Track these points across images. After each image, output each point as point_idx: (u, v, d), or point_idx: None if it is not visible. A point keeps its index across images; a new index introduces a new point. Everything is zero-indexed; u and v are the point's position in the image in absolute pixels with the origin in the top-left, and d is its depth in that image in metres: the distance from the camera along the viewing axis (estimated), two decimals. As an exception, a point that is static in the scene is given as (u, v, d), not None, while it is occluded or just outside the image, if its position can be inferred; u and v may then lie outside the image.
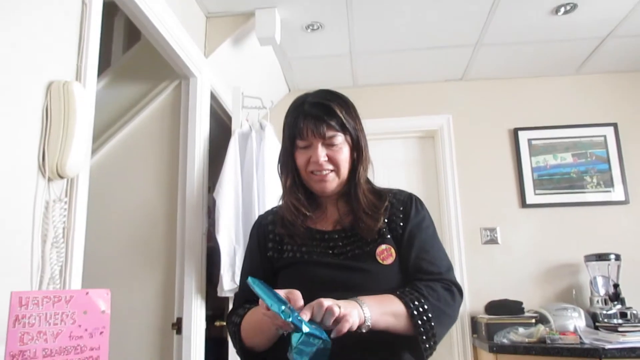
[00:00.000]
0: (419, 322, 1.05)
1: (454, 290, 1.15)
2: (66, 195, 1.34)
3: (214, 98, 2.72)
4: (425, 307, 1.06)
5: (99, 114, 2.00)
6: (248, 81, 2.90)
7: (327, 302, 0.94)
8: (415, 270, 1.16)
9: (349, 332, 0.96)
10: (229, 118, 2.81)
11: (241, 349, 1.18)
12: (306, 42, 2.92)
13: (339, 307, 0.94)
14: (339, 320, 0.94)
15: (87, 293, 0.81)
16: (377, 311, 1.01)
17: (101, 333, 0.80)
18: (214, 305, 2.74)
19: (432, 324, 1.05)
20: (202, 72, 2.50)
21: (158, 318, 2.24)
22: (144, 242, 2.33)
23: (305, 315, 0.92)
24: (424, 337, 1.06)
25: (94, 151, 2.40)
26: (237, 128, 2.60)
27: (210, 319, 2.47)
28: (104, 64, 2.64)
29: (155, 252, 2.32)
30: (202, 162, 2.44)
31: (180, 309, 2.23)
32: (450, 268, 1.21)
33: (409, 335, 1.07)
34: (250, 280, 0.97)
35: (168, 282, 2.28)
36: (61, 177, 1.29)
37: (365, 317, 0.99)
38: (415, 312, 1.05)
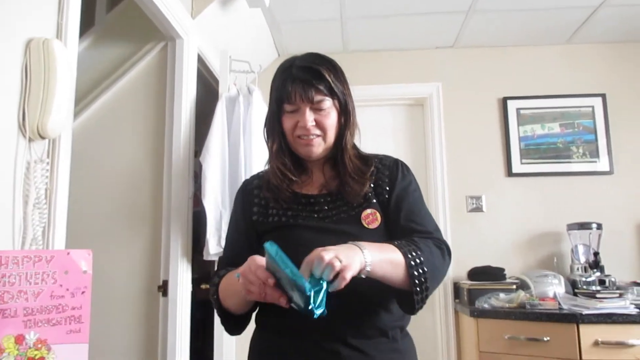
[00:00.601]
0: (415, 273, 1.05)
1: (444, 249, 1.16)
2: (48, 156, 1.32)
3: (200, 61, 2.68)
4: (422, 259, 1.06)
5: (83, 76, 1.96)
6: (236, 44, 2.84)
7: (327, 255, 0.93)
8: (405, 232, 1.17)
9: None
10: (216, 82, 2.77)
11: (219, 310, 1.19)
12: (296, 5, 2.86)
13: (340, 261, 0.93)
14: (338, 273, 0.93)
15: (68, 253, 0.81)
16: (377, 257, 1.01)
17: (83, 293, 0.80)
18: (200, 269, 2.77)
19: (427, 277, 1.06)
20: (189, 34, 2.44)
21: (144, 281, 2.26)
22: (130, 205, 2.32)
23: (305, 275, 0.92)
24: (418, 289, 1.06)
25: (77, 113, 2.36)
26: (225, 92, 2.56)
27: (196, 282, 2.49)
28: (87, 24, 2.57)
29: (141, 215, 2.31)
30: (188, 125, 2.42)
31: (166, 272, 2.25)
32: (438, 229, 1.22)
33: (400, 288, 1.08)
34: (269, 245, 0.93)
35: (154, 245, 2.28)
36: (42, 138, 1.27)
37: (366, 262, 0.98)
38: (412, 263, 1.05)
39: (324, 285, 0.92)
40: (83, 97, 2.40)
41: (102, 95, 2.43)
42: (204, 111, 2.71)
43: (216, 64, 2.81)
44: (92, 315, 0.84)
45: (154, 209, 2.31)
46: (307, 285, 0.88)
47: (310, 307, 0.89)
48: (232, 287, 1.10)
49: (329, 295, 0.94)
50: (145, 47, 2.48)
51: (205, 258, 2.39)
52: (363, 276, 0.99)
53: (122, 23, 2.59)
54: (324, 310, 0.91)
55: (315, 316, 0.90)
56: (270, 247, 0.92)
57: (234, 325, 1.22)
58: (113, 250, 2.26)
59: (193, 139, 2.48)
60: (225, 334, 2.72)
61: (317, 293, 0.91)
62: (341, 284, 0.93)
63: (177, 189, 2.31)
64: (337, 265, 0.92)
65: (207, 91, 2.93)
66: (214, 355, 2.63)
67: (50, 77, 1.22)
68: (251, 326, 1.28)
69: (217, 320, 2.45)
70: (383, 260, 1.03)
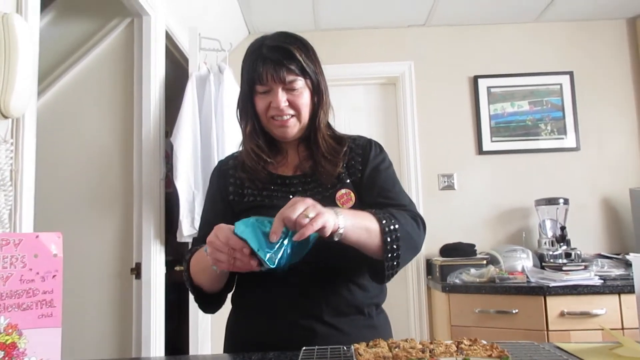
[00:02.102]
0: (388, 240, 1.05)
1: (419, 221, 1.16)
2: (12, 137, 1.27)
3: (169, 38, 2.60)
4: (397, 227, 1.06)
5: (45, 52, 1.88)
6: (205, 22, 2.78)
7: (295, 213, 0.92)
8: (380, 208, 1.15)
9: (320, 239, 0.97)
10: (186, 60, 2.70)
11: (191, 287, 1.18)
12: (266, -19, 2.80)
13: (307, 217, 0.92)
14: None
15: (37, 236, 0.78)
16: (351, 222, 1.01)
17: (54, 277, 0.78)
18: (174, 251, 2.74)
19: (400, 245, 1.06)
20: (156, 10, 2.37)
21: (117, 263, 2.22)
22: (100, 187, 2.27)
23: (275, 235, 0.93)
24: (389, 256, 1.06)
25: (41, 92, 2.27)
26: (195, 71, 2.51)
27: (170, 264, 2.47)
28: (48, -2, 2.46)
29: (112, 197, 2.27)
30: (158, 105, 2.36)
31: (139, 254, 2.21)
32: (412, 203, 1.23)
33: (373, 256, 1.08)
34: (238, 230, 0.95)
35: (126, 227, 2.24)
36: (5, 117, 1.22)
37: (339, 225, 0.98)
38: (386, 230, 1.05)
39: (285, 242, 0.94)
40: (46, 76, 2.31)
41: (67, 74, 2.34)
42: (174, 90, 2.66)
43: (185, 42, 2.74)
44: (65, 299, 0.82)
45: (125, 191, 2.27)
46: (266, 264, 0.92)
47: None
48: (202, 263, 1.09)
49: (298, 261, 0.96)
50: (110, 24, 2.39)
51: (178, 240, 2.36)
52: (336, 239, 0.99)
53: (85, -3, 2.49)
54: (279, 265, 0.93)
55: (271, 266, 0.93)
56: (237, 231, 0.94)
57: (208, 304, 1.21)
58: (84, 233, 2.21)
59: (163, 119, 2.42)
60: (201, 315, 2.72)
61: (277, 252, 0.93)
62: (306, 232, 0.92)
63: (148, 170, 2.26)
64: (306, 227, 0.92)
65: (177, 70, 2.86)
66: (189, 337, 2.63)
67: (12, 53, 1.17)
68: (228, 307, 1.27)
69: (192, 302, 2.44)
70: (357, 224, 1.02)
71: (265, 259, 0.91)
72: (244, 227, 0.94)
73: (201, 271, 1.13)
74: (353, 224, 1.01)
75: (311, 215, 0.93)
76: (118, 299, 2.20)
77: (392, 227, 1.06)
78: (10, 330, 0.74)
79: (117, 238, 2.24)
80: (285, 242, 0.94)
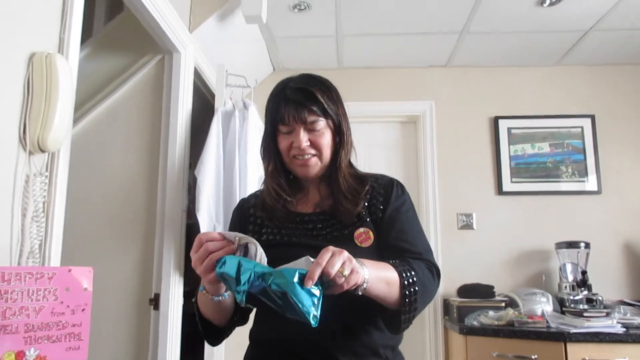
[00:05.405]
0: (407, 293, 1.05)
1: (434, 271, 1.17)
2: (47, 170, 1.33)
3: (197, 74, 2.69)
4: (415, 279, 1.07)
5: (79, 86, 1.96)
6: (232, 59, 2.87)
7: (334, 269, 0.90)
8: (395, 251, 1.17)
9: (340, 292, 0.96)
10: (213, 96, 2.79)
11: (198, 317, 1.20)
12: (292, 22, 2.89)
13: (343, 275, 0.92)
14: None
15: (69, 270, 0.82)
16: (375, 275, 1.01)
17: (83, 310, 0.81)
18: (193, 282, 2.76)
19: (417, 297, 1.06)
20: (186, 48, 2.46)
21: (135, 293, 2.24)
22: (123, 217, 2.31)
23: (312, 281, 0.90)
24: (407, 309, 1.06)
25: (73, 123, 2.36)
26: (221, 106, 2.58)
27: (188, 295, 2.48)
28: (86, 34, 2.58)
29: (134, 227, 2.31)
30: (184, 138, 2.43)
31: (158, 285, 2.24)
32: (429, 250, 1.23)
33: (387, 306, 1.08)
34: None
35: (146, 257, 2.28)
36: (42, 151, 1.28)
37: (365, 278, 0.98)
38: (405, 283, 1.05)
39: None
40: (78, 108, 2.40)
41: (98, 106, 2.43)
42: (200, 124, 2.73)
43: (212, 77, 2.83)
44: (86, 329, 0.85)
45: (148, 221, 2.31)
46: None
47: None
48: (204, 297, 1.12)
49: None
50: (142, 60, 2.49)
51: (197, 271, 2.38)
52: (359, 292, 0.99)
53: (120, 35, 2.60)
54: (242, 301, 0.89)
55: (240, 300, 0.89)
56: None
57: (212, 336, 1.23)
58: (106, 262, 2.25)
59: (188, 151, 2.49)
60: (216, 349, 2.71)
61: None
62: (337, 290, 0.93)
63: (171, 201, 2.31)
64: (340, 281, 0.92)
65: (203, 105, 2.95)
66: (203, 369, 2.62)
67: (52, 91, 1.23)
68: (245, 342, 1.29)
69: (207, 333, 2.44)
70: (380, 278, 1.03)
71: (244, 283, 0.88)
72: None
73: (204, 304, 1.15)
74: (376, 277, 1.02)
75: (346, 273, 0.92)
76: (135, 329, 2.22)
77: (410, 281, 1.07)
78: (39, 362, 0.77)
79: (138, 268, 2.27)
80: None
